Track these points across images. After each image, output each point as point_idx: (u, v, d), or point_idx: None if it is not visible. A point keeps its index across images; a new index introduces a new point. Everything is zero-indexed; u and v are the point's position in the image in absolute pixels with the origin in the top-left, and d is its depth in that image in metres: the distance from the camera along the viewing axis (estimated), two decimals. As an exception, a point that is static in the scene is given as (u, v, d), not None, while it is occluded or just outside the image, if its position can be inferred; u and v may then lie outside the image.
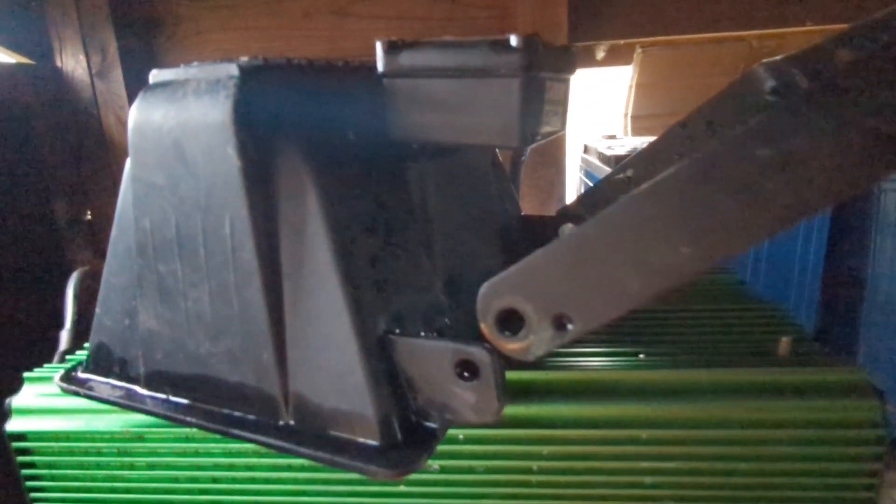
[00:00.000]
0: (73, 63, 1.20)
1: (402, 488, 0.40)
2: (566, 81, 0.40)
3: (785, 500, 0.38)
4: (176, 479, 0.41)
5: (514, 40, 0.31)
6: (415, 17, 1.19)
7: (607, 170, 0.99)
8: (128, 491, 0.42)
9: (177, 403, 0.35)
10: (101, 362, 0.38)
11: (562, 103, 0.40)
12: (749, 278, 0.86)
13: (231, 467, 0.40)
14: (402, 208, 0.36)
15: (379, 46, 0.34)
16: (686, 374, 0.39)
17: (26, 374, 0.44)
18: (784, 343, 0.40)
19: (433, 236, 0.39)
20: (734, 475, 0.38)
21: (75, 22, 1.18)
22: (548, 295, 0.25)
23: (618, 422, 0.38)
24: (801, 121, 0.20)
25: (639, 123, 1.38)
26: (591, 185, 1.17)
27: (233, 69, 0.30)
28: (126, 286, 0.36)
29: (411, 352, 0.31)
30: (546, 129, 0.37)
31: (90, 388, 0.38)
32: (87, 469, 0.41)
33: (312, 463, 0.31)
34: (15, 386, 0.43)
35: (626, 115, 1.39)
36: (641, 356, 0.42)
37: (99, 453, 0.41)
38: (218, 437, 0.36)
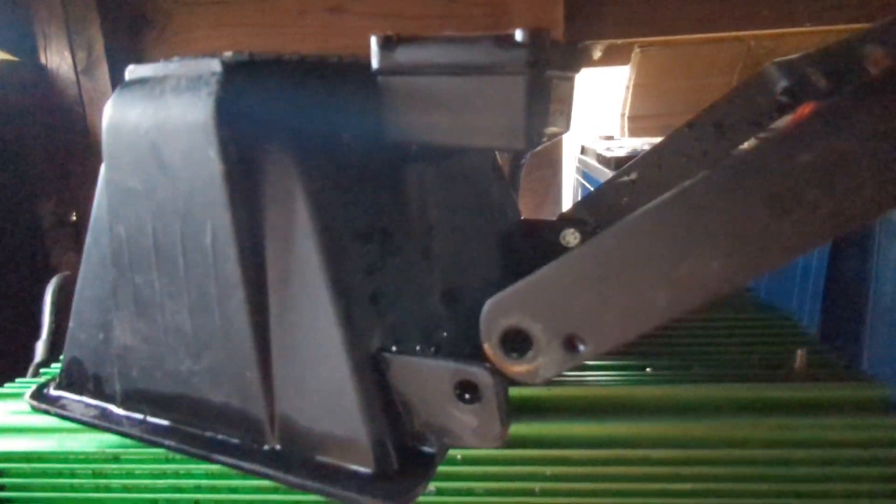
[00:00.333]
0: (58, 60, 1.17)
1: (397, 511, 0.38)
2: (571, 79, 0.38)
3: (804, 524, 0.36)
4: (155, 502, 0.38)
5: (519, 35, 0.28)
6: (410, 14, 1.17)
7: (605, 171, 0.97)
8: (104, 514, 0.39)
9: (155, 424, 0.33)
10: (75, 379, 0.36)
11: (567, 102, 0.38)
12: (752, 283, 0.84)
13: (213, 489, 0.37)
14: (400, 214, 0.34)
15: (374, 41, 0.31)
16: (699, 390, 0.37)
17: (-2, 390, 0.41)
18: (800, 356, 0.38)
19: (432, 243, 0.37)
20: (750, 497, 0.36)
21: (61, 18, 1.15)
22: (558, 313, 0.23)
23: (626, 441, 0.36)
24: (849, 124, 0.18)
25: (636, 124, 1.36)
26: (588, 186, 1.15)
27: (215, 65, 0.28)
28: (101, 298, 0.34)
29: (407, 371, 0.29)
30: (551, 129, 0.35)
31: (62, 407, 0.35)
32: (61, 491, 0.39)
33: (301, 489, 0.28)
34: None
35: (623, 115, 1.37)
36: (649, 370, 0.40)
37: (73, 475, 0.38)
38: (200, 459, 0.34)
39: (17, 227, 1.07)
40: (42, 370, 0.45)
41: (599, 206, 0.52)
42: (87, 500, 0.39)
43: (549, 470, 0.36)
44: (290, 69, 0.32)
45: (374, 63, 0.31)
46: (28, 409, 0.37)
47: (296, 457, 0.29)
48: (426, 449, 0.29)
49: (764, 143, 0.19)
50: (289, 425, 0.29)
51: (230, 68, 0.28)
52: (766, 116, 0.44)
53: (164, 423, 0.32)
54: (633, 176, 0.51)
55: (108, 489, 0.38)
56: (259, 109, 0.29)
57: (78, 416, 0.34)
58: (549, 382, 0.37)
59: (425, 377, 0.28)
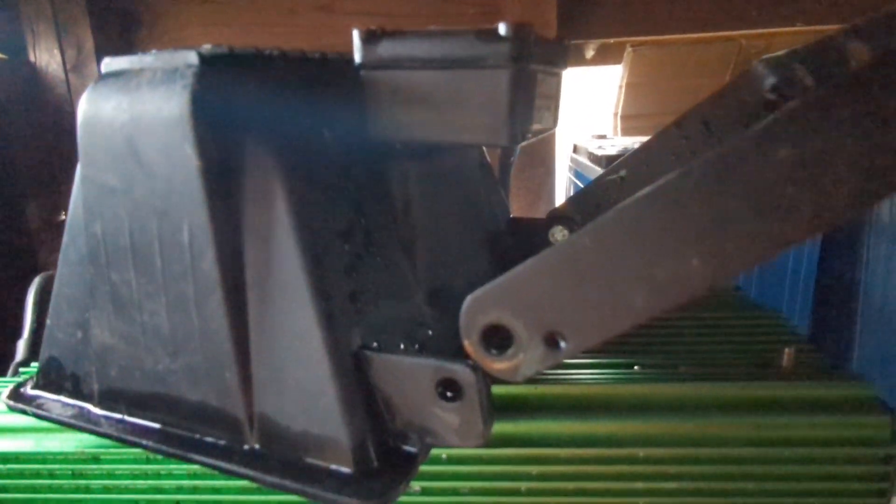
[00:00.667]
0: (47, 58, 1.16)
1: (382, 512, 0.37)
2: (558, 75, 0.38)
3: (789, 523, 0.36)
4: (136, 503, 0.38)
5: (502, 29, 0.28)
6: (401, 13, 1.16)
7: (597, 170, 0.97)
8: (85, 515, 0.38)
9: (133, 424, 0.32)
10: (52, 378, 0.35)
11: (553, 98, 0.38)
12: (742, 282, 0.84)
13: (195, 490, 0.37)
14: (383, 212, 0.34)
15: (356, 35, 0.31)
16: (686, 389, 0.36)
17: (-25, 390, 0.40)
18: (788, 355, 0.38)
19: (416, 242, 0.36)
20: (737, 496, 0.36)
21: (50, 16, 1.14)
22: (539, 310, 0.23)
23: (612, 439, 0.36)
24: (826, 118, 0.17)
25: (629, 123, 1.36)
26: (580, 185, 1.15)
27: (191, 57, 0.27)
28: (78, 297, 0.33)
29: (388, 369, 0.28)
30: (537, 126, 0.34)
31: (39, 406, 0.35)
32: (40, 493, 0.38)
33: (281, 490, 0.28)
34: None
35: (615, 114, 1.37)
36: (637, 368, 0.39)
37: (52, 475, 0.37)
38: (179, 459, 0.33)
39: (3, 228, 1.05)
40: (22, 369, 0.44)
41: (588, 204, 0.51)
42: (67, 500, 0.38)
43: (535, 469, 0.36)
44: (271, 64, 0.32)
45: (357, 57, 0.31)
46: (5, 409, 0.37)
47: (275, 457, 0.29)
48: (408, 448, 0.29)
49: (741, 139, 0.18)
50: (268, 425, 0.29)
51: (207, 61, 0.28)
52: (754, 114, 0.44)
53: (143, 422, 0.32)
54: (622, 173, 0.51)
55: (87, 490, 0.37)
56: (237, 104, 0.28)
57: (55, 416, 0.34)
58: (534, 380, 0.37)
59: (407, 375, 0.28)
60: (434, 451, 0.36)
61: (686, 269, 0.19)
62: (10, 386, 0.37)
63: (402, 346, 0.32)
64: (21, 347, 0.46)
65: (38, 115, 1.13)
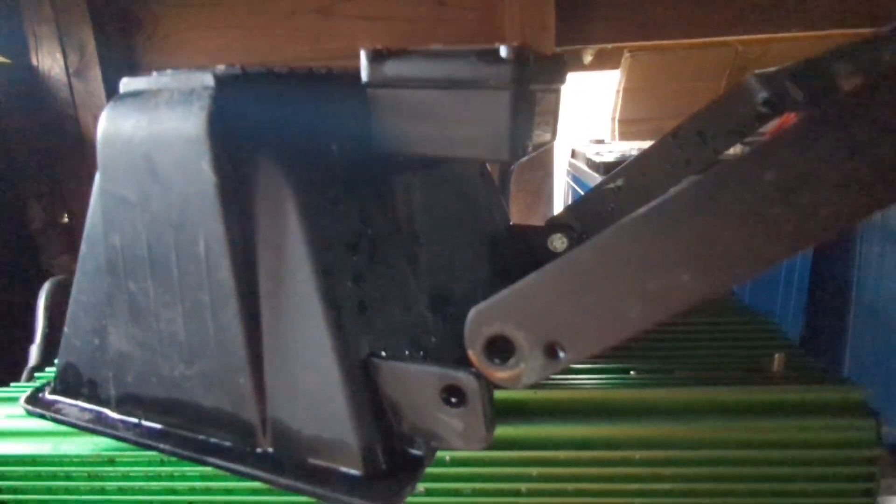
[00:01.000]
0: (49, 62, 1.17)
1: (387, 512, 0.38)
2: (557, 91, 0.39)
3: (779, 522, 0.37)
4: (150, 505, 0.39)
5: (504, 51, 0.29)
6: (400, 17, 1.17)
7: (595, 175, 0.98)
8: (99, 516, 0.40)
9: (149, 428, 0.33)
10: (70, 383, 0.36)
11: (552, 113, 0.39)
12: (735, 287, 0.86)
13: (208, 491, 0.38)
14: (387, 224, 0.35)
15: (363, 55, 0.32)
16: (680, 393, 0.38)
17: (-9, 394, 0.42)
18: (778, 359, 0.39)
19: (419, 251, 0.38)
20: (729, 496, 0.37)
21: (51, 19, 1.15)
22: (539, 322, 0.24)
23: (609, 442, 0.37)
24: (810, 145, 0.19)
25: (626, 128, 1.38)
26: (578, 189, 1.16)
27: (208, 79, 0.29)
28: (96, 305, 0.34)
29: (395, 376, 0.29)
30: (537, 140, 0.36)
31: (57, 411, 0.36)
32: (56, 494, 0.39)
33: (292, 491, 0.29)
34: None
35: (613, 119, 1.39)
36: (633, 373, 0.41)
37: (68, 478, 0.39)
38: (193, 462, 0.34)
39: (7, 229, 1.06)
40: (36, 374, 0.45)
41: (586, 212, 0.53)
42: (83, 502, 0.39)
43: (535, 471, 0.37)
44: (281, 81, 0.33)
45: (364, 76, 0.32)
46: (23, 413, 0.38)
47: (287, 459, 0.30)
48: (414, 451, 0.30)
49: (732, 164, 0.20)
50: (280, 429, 0.30)
51: (222, 82, 0.29)
52: (747, 125, 0.45)
53: (159, 426, 0.33)
54: (619, 183, 0.52)
55: (103, 491, 0.39)
56: (250, 122, 0.29)
57: (73, 420, 0.35)
58: (534, 386, 0.38)
59: (413, 382, 0.29)
60: (438, 454, 0.37)
61: (678, 284, 0.20)
62: (29, 391, 0.38)
63: (407, 353, 0.33)
64: (34, 352, 0.47)
65: (40, 117, 1.14)
